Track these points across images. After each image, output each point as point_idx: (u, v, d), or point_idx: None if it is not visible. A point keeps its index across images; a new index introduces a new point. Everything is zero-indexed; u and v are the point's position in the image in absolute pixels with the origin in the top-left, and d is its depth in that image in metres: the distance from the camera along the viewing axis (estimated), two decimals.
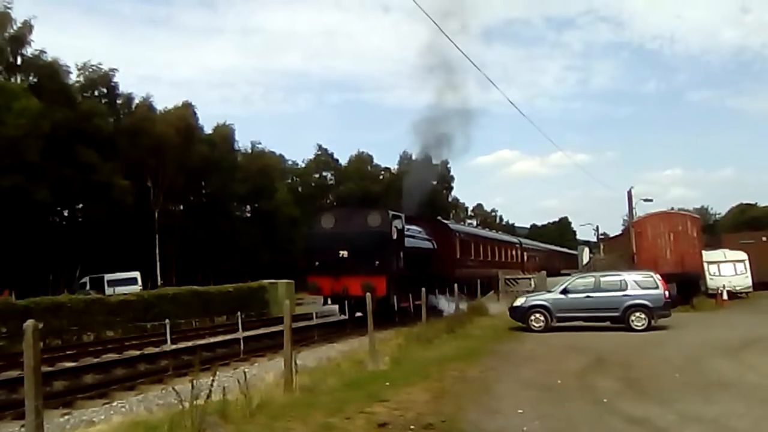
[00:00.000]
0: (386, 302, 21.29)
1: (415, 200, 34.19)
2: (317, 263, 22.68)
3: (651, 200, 38.71)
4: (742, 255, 31.00)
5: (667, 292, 18.89)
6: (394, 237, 22.83)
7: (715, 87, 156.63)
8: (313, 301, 25.79)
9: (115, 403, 11.15)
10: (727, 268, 30.42)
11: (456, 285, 23.07)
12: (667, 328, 18.34)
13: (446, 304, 24.54)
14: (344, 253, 22.02)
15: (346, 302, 22.69)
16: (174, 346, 17.22)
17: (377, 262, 21.72)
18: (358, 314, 22.39)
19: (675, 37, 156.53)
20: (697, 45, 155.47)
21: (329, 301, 23.50)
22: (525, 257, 45.08)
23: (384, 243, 22.24)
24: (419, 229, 26.92)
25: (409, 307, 22.91)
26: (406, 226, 24.46)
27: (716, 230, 71.68)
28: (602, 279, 19.58)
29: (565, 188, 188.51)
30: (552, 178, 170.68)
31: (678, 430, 7.14)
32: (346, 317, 23.30)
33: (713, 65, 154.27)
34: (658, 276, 19.35)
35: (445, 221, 33.73)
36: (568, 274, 29.61)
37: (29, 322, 4.92)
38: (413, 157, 41.50)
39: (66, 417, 10.08)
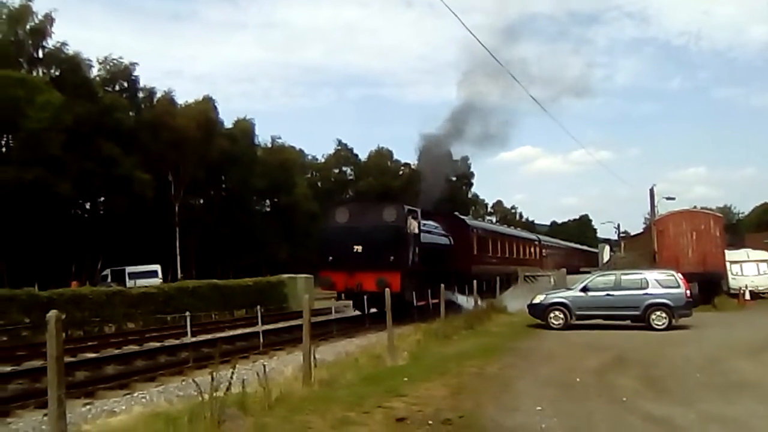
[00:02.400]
0: (401, 298, 21.03)
1: (433, 195, 33.98)
2: (331, 258, 22.43)
3: (673, 198, 38.25)
4: (766, 255, 30.57)
5: (688, 292, 18.64)
6: (410, 232, 22.61)
7: (740, 84, 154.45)
8: (333, 296, 25.74)
9: (135, 394, 11.25)
10: (749, 268, 30.00)
11: (474, 282, 22.92)
12: (688, 327, 18.13)
13: (463, 301, 24.39)
14: (358, 248, 21.78)
15: (364, 298, 22.47)
16: (194, 339, 17.36)
17: (392, 258, 21.47)
18: (373, 310, 22.30)
19: (701, 34, 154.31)
20: (724, 41, 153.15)
21: (343, 297, 23.33)
22: (543, 254, 44.83)
23: (399, 238, 22.00)
24: (435, 224, 26.69)
25: (427, 305, 22.77)
26: (423, 222, 24.22)
27: (739, 229, 70.70)
28: (623, 277, 19.36)
29: (587, 186, 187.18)
30: (573, 175, 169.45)
31: (698, 430, 7.05)
32: (360, 313, 23.16)
33: (739, 62, 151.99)
34: (680, 275, 19.13)
35: (462, 217, 33.50)
36: (588, 272, 29.38)
37: (52, 313, 4.98)
38: (431, 150, 41.10)
39: (87, 407, 10.19)
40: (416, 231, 23.19)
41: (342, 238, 22.20)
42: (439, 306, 18.04)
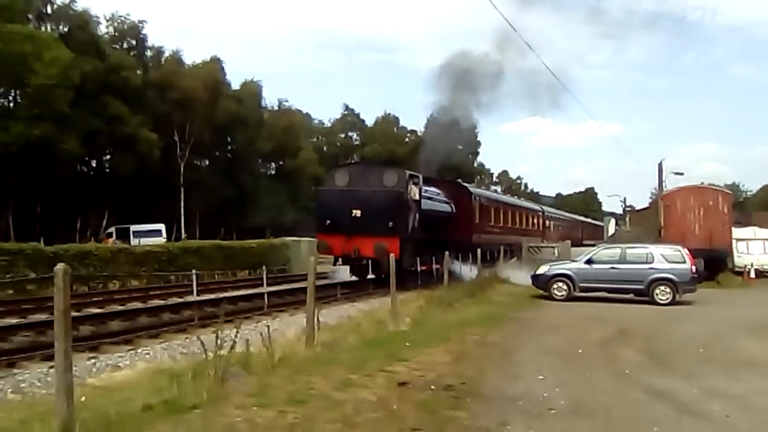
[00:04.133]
0: (399, 265, 20.77)
1: (437, 161, 33.57)
2: (328, 222, 21.82)
3: (682, 174, 38.11)
4: None
5: (693, 267, 18.62)
6: (410, 198, 22.24)
7: (756, 61, 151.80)
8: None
9: (140, 350, 11.33)
10: (756, 246, 29.89)
11: (478, 251, 22.79)
12: (692, 303, 18.14)
13: (463, 270, 24.24)
14: (357, 213, 21.23)
15: (361, 263, 21.93)
16: (199, 298, 17.42)
17: (391, 223, 20.97)
18: (370, 276, 22.18)
19: (718, 8, 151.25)
20: (741, 17, 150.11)
21: (340, 261, 22.85)
22: (547, 226, 44.70)
23: (399, 203, 21.51)
24: (438, 191, 26.26)
25: (428, 270, 22.69)
26: (424, 188, 23.81)
27: (747, 207, 70.40)
28: (628, 251, 19.30)
29: (594, 159, 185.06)
30: (581, 148, 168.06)
31: (702, 405, 7.04)
32: (357, 279, 22.91)
33: (756, 38, 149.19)
34: (686, 250, 19.07)
35: (465, 184, 33.12)
36: (592, 245, 29.34)
37: (60, 266, 4.96)
38: (439, 119, 40.59)
39: (92, 360, 10.28)
40: (417, 197, 22.79)
41: (340, 201, 21.69)
42: (439, 273, 17.95)
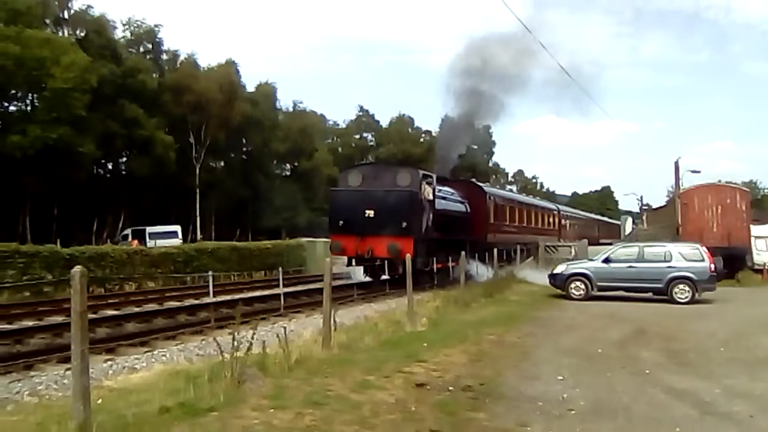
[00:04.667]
0: (413, 265, 20.55)
1: (451, 161, 33.26)
2: (341, 222, 21.57)
3: (698, 172, 37.62)
4: None
5: (712, 265, 18.40)
6: (424, 198, 22.00)
7: None
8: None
9: (156, 352, 11.33)
10: None
11: (493, 250, 22.61)
12: (712, 302, 17.93)
13: (479, 270, 24.06)
14: (370, 213, 20.98)
15: (381, 263, 21.62)
16: (215, 299, 17.45)
17: (404, 223, 20.71)
18: (384, 277, 22.04)
19: (731, 6, 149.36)
20: (756, 14, 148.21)
21: (353, 263, 22.60)
22: (563, 224, 44.33)
23: (412, 203, 21.24)
24: (452, 190, 26.02)
25: (444, 268, 22.55)
26: (438, 188, 23.50)
27: (764, 205, 69.54)
28: (646, 249, 19.13)
29: (609, 157, 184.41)
30: (596, 146, 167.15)
31: (724, 405, 6.93)
32: (371, 279, 22.65)
33: None
34: (704, 248, 18.87)
35: (479, 183, 32.86)
36: (609, 244, 29.12)
37: (77, 269, 4.97)
38: (454, 119, 40.24)
39: (109, 363, 10.29)
40: (431, 197, 22.53)
41: (353, 202, 21.51)
42: (455, 273, 17.82)
